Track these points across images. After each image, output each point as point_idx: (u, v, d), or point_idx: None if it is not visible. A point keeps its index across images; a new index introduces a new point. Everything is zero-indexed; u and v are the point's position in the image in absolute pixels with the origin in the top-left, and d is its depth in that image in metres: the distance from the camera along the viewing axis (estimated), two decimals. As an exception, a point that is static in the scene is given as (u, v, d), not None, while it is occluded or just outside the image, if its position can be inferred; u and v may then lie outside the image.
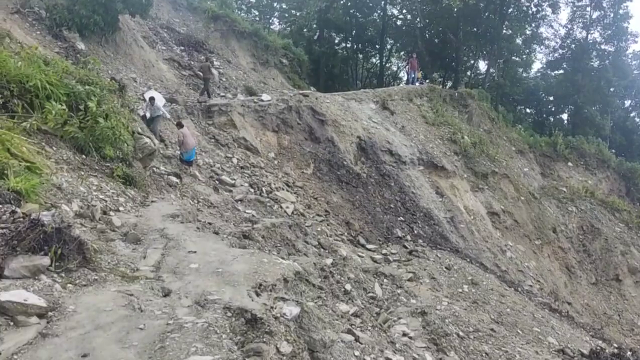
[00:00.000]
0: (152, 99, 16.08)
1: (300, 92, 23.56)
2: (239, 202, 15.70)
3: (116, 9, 20.39)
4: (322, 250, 14.71)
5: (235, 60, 28.31)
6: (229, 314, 4.80)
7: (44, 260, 5.04)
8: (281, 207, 17.22)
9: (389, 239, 19.12)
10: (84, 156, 9.00)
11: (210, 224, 11.13)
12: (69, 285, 4.87)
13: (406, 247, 18.84)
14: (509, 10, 35.72)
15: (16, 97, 8.49)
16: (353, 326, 8.19)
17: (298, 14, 47.59)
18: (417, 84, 29.70)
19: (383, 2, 44.63)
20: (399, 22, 47.71)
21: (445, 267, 17.90)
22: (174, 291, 5.31)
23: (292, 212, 17.33)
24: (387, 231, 19.48)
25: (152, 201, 9.69)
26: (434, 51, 41.49)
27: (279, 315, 5.18)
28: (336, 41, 49.65)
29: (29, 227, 4.96)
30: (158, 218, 8.42)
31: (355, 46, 48.00)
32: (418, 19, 40.68)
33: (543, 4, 36.37)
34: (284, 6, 49.97)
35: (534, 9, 35.71)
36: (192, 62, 25.38)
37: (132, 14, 21.67)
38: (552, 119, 50.52)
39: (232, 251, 7.00)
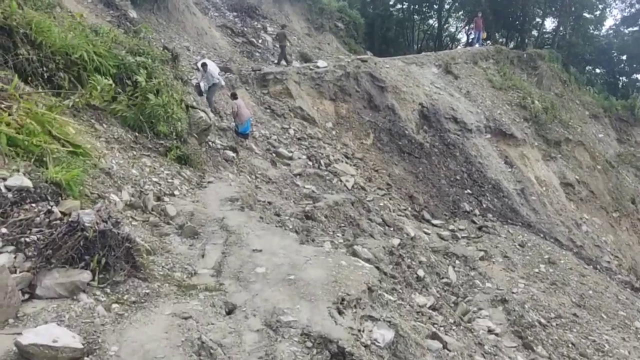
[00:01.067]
0: (204, 65, 15.25)
1: (358, 57, 22.29)
2: (298, 176, 14.87)
3: (167, -27, 19.61)
4: (386, 228, 13.75)
5: (289, 26, 27.15)
6: (309, 344, 3.93)
7: (84, 275, 4.25)
8: (341, 181, 16.30)
9: (455, 214, 17.93)
10: (136, 134, 8.31)
11: (270, 203, 10.34)
12: (114, 305, 4.05)
13: (475, 223, 17.63)
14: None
15: (62, 70, 7.82)
16: (436, 326, 7.27)
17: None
18: (479, 44, 27.65)
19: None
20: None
21: (519, 244, 16.62)
22: (239, 307, 4.48)
23: (353, 186, 16.40)
24: (454, 205, 18.27)
25: (209, 182, 8.94)
26: (496, 9, 38.77)
27: (369, 342, 4.26)
28: (391, 2, 47.50)
29: (66, 233, 4.19)
30: (216, 203, 7.66)
31: (411, 7, 45.63)
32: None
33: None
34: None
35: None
36: (245, 29, 24.46)
37: (184, -21, 20.85)
38: (625, 80, 46.88)
39: (304, 250, 6.12)
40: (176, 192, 7.48)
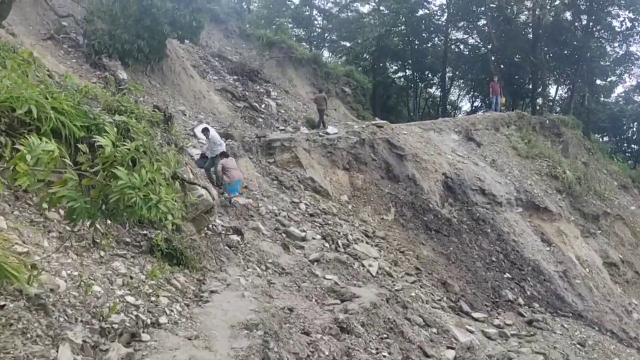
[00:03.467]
0: (205, 130, 13.19)
1: (373, 122, 20.18)
2: (315, 263, 12.21)
3: (163, 32, 17.68)
4: (430, 330, 10.96)
5: (294, 90, 25.31)
6: None
7: None
8: (363, 266, 13.63)
9: (497, 304, 15.14)
10: (108, 221, 5.75)
11: (291, 310, 7.62)
12: None
13: (522, 315, 14.82)
14: (598, 27, 31.50)
15: (4, 131, 5.34)
16: None
17: (349, 44, 44.80)
18: (498, 110, 25.77)
19: (445, 26, 41.30)
20: (461, 47, 44.18)
21: (578, 344, 13.76)
22: None
23: (377, 272, 13.71)
24: (494, 293, 15.51)
25: (212, 290, 6.31)
26: (503, 76, 37.59)
27: None
28: (392, 69, 46.49)
29: None
30: (225, 334, 5.02)
31: (414, 74, 44.51)
32: (487, 42, 36.95)
33: (640, 18, 31.84)
34: (334, 37, 47.39)
35: (629, 24, 31.28)
36: (247, 93, 22.48)
37: (181, 39, 18.94)
38: (635, 147, 45.30)
39: None
40: (163, 320, 4.84)
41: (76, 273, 4.48)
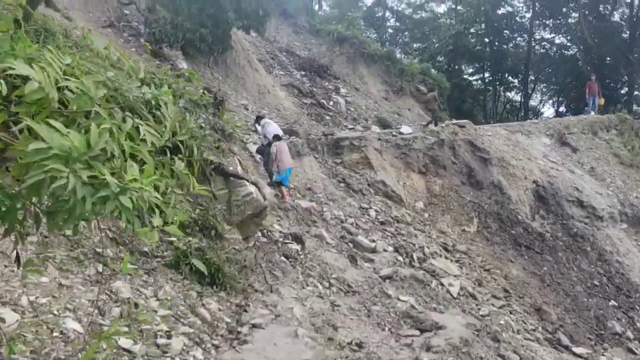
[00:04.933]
0: (259, 118, 12.05)
1: (455, 122, 18.07)
2: (387, 280, 10.37)
3: (227, 21, 16.45)
4: (529, 371, 8.87)
5: (364, 88, 23.56)
6: None
7: None
8: (442, 285, 11.65)
9: (602, 337, 12.69)
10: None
11: (359, 346, 5.86)
12: None
13: (633, 352, 12.31)
14: None
15: None
16: None
17: (423, 45, 42.50)
18: (595, 112, 22.84)
19: (529, 25, 38.21)
20: (547, 47, 40.85)
21: None
22: None
23: (459, 293, 11.68)
24: (598, 323, 13.05)
25: (253, 325, 4.64)
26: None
27: None
28: (470, 71, 43.74)
29: None
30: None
31: (493, 77, 41.55)
32: (578, 42, 33.72)
33: None
34: (407, 39, 45.28)
35: None
36: (315, 89, 20.95)
37: (247, 29, 17.64)
38: None
39: None
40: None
41: (45, 300, 2.98)
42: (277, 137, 12.21)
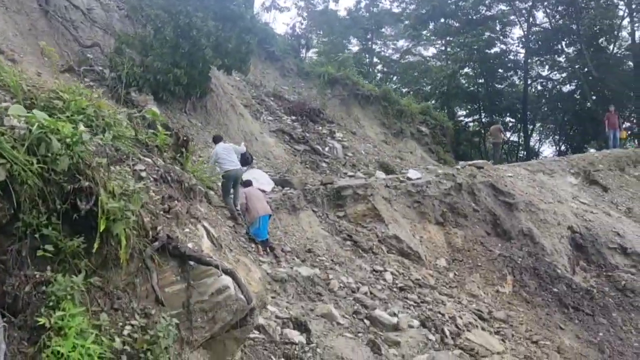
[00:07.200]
0: (217, 138, 10.48)
1: (471, 163, 15.81)
2: (423, 373, 7.78)
3: (205, 58, 14.35)
4: None
5: (361, 131, 21.44)
6: None
7: None
8: (485, 367, 9.03)
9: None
10: None
11: None
12: None
13: None
14: None
15: None
16: None
17: (416, 88, 40.99)
18: (616, 146, 20.75)
19: (524, 62, 36.79)
20: (543, 85, 39.48)
21: None
22: None
23: (508, 378, 9.08)
24: (679, 404, 10.40)
25: None
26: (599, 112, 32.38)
27: None
28: (464, 113, 42.11)
29: None
30: None
31: (491, 117, 39.81)
32: (576, 77, 32.29)
33: None
34: (396, 85, 43.78)
35: None
36: (307, 134, 18.76)
37: (228, 69, 15.56)
38: None
39: None
40: None
41: None
42: (246, 183, 10.30)
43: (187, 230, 3.81)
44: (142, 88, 14.00)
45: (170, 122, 12.86)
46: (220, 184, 10.63)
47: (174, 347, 3.23)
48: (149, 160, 4.26)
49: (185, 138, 5.46)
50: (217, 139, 11.58)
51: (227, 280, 3.74)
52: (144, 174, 3.89)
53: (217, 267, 3.63)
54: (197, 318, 3.51)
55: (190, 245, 3.67)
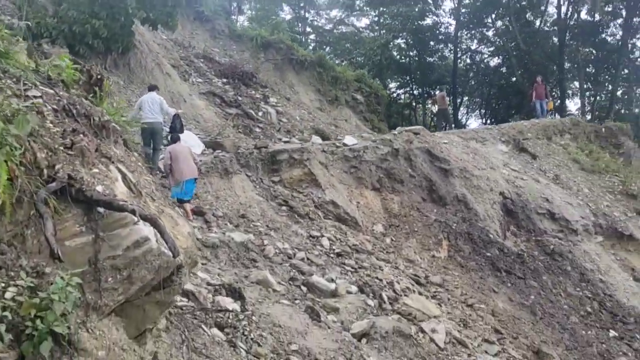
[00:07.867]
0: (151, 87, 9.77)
1: (408, 128, 15.58)
2: (363, 339, 7.44)
3: (128, 11, 13.15)
4: None
5: (296, 97, 20.79)
6: None
7: None
8: (423, 332, 8.85)
9: (613, 379, 10.41)
10: None
11: None
12: None
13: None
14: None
15: None
16: None
17: (349, 58, 40.55)
18: (543, 116, 21.28)
19: (454, 35, 37.16)
20: (473, 58, 40.20)
21: None
22: None
23: (445, 342, 8.94)
24: (604, 361, 10.79)
25: None
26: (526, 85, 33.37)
27: None
28: (395, 85, 42.25)
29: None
30: None
31: (423, 89, 40.16)
32: (503, 51, 33.07)
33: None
34: (330, 55, 43.17)
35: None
36: (240, 98, 17.89)
37: (153, 23, 14.38)
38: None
39: None
40: None
41: None
42: (174, 138, 9.55)
43: (95, 170, 3.09)
44: (55, 40, 12.64)
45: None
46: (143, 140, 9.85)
47: (75, 314, 2.56)
48: (49, 90, 3.45)
49: (99, 76, 4.63)
50: (150, 88, 10.84)
51: (147, 230, 3.04)
52: (39, 101, 3.10)
53: (133, 212, 2.93)
54: (108, 278, 2.82)
55: (99, 188, 2.96)
